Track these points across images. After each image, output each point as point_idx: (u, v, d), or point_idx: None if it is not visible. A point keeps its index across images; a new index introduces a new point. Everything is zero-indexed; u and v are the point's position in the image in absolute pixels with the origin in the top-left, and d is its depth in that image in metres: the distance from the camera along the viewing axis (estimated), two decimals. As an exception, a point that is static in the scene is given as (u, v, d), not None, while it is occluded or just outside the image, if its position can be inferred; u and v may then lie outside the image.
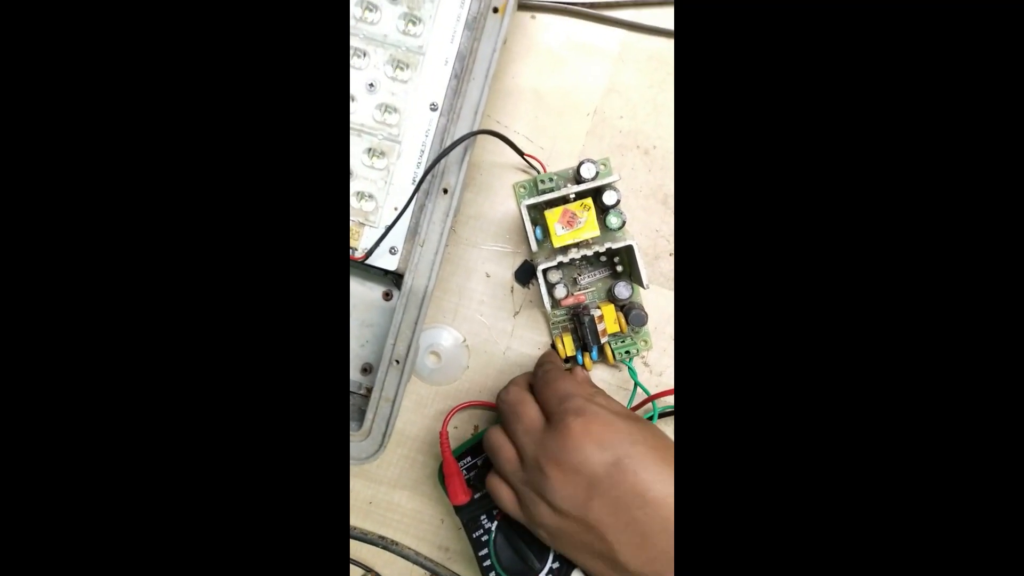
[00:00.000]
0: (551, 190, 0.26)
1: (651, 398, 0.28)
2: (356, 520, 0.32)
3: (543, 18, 0.28)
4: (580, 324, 0.26)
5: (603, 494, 0.20)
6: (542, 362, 0.26)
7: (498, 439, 0.24)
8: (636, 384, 0.28)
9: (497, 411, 0.25)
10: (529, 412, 0.23)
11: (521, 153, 0.27)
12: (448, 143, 0.25)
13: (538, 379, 0.24)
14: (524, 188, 0.28)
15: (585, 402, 0.22)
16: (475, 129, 0.24)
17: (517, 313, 0.30)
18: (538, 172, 0.27)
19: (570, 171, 0.28)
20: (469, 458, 0.29)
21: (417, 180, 0.26)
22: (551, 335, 0.29)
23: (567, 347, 0.27)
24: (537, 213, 0.26)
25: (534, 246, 0.26)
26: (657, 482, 0.20)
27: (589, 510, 0.20)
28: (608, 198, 0.25)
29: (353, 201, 0.27)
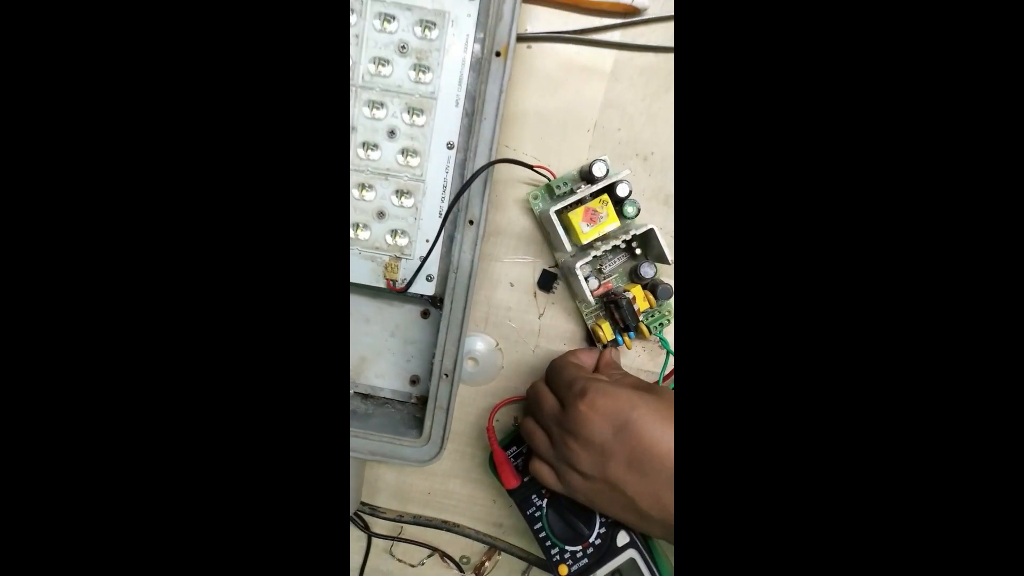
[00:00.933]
0: (567, 193, 0.29)
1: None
2: (417, 509, 0.37)
3: (539, 47, 0.30)
4: (619, 307, 0.29)
5: (615, 456, 0.24)
6: (559, 356, 0.31)
7: (529, 426, 0.29)
8: (669, 352, 0.32)
9: (526, 405, 0.30)
10: (548, 400, 0.27)
11: (531, 167, 0.29)
12: (467, 176, 0.27)
13: (551, 371, 0.29)
14: (537, 196, 0.31)
15: (587, 382, 0.26)
16: (492, 154, 0.27)
17: (542, 315, 0.34)
18: (549, 179, 0.30)
19: (574, 173, 0.30)
20: (515, 447, 0.33)
21: (443, 214, 0.29)
22: (587, 326, 0.32)
23: (606, 332, 0.30)
24: (558, 216, 0.29)
25: (568, 247, 0.29)
26: (660, 439, 0.24)
27: (608, 471, 0.25)
28: (621, 190, 0.28)
29: (388, 238, 0.30)
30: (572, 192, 0.29)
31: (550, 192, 0.30)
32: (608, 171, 0.28)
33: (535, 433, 0.28)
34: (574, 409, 0.25)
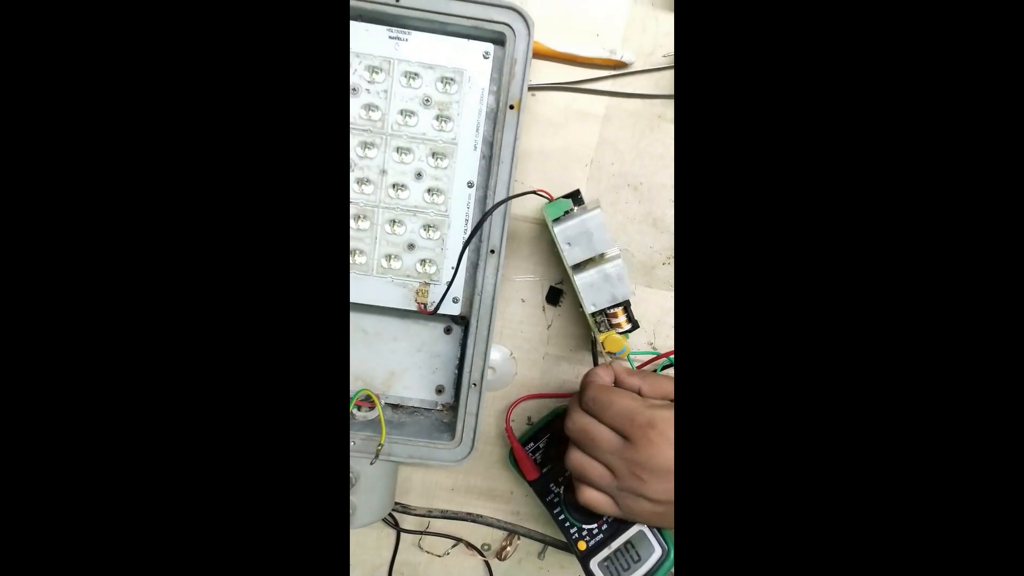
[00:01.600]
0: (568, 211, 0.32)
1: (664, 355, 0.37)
2: (442, 504, 0.41)
3: (541, 95, 0.34)
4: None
5: None
6: (586, 384, 0.30)
7: (581, 460, 0.29)
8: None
9: (570, 437, 0.29)
10: (604, 435, 0.27)
11: (534, 192, 0.32)
12: (488, 207, 0.32)
13: (595, 405, 0.28)
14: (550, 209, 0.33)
15: (649, 412, 0.27)
16: (509, 189, 0.31)
17: (550, 326, 0.38)
18: (549, 200, 0.33)
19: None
20: (531, 443, 0.37)
21: (462, 244, 0.33)
22: (594, 333, 0.36)
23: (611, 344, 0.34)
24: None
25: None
26: None
27: None
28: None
29: (418, 267, 0.33)
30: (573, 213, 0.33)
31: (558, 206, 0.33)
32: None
33: (589, 466, 0.28)
34: (646, 441, 0.26)
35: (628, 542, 0.33)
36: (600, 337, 0.33)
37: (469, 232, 0.33)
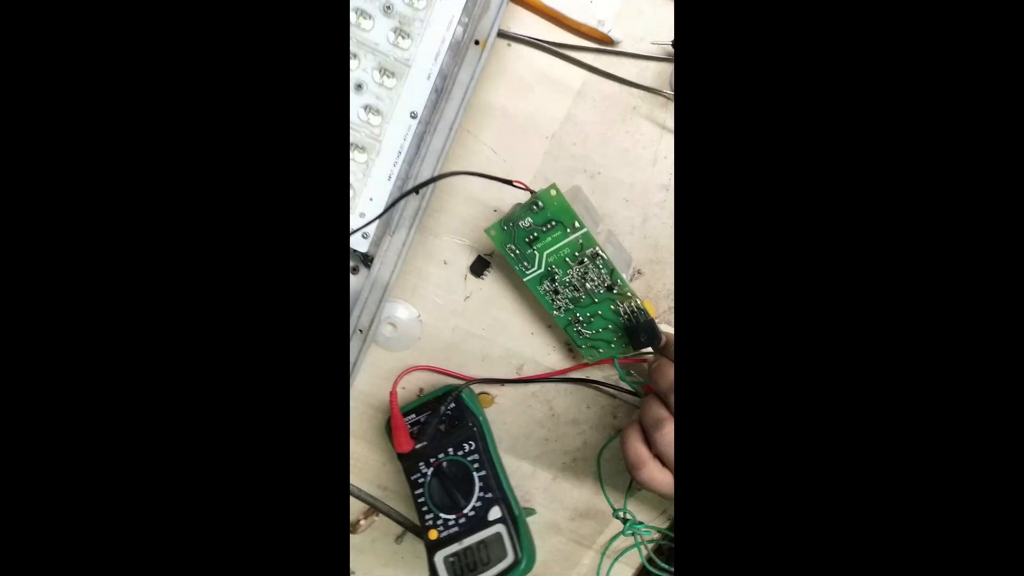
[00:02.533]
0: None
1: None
2: (306, 460, 0.37)
3: (517, 48, 0.32)
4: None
5: None
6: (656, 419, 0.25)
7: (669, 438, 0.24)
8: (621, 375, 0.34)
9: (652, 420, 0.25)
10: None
11: (509, 182, 0.28)
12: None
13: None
14: (492, 232, 0.30)
15: None
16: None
17: (468, 298, 0.35)
18: (528, 196, 0.29)
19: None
20: (414, 415, 0.34)
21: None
22: (548, 311, 0.31)
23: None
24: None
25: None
26: None
27: None
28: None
29: (333, 189, 0.30)
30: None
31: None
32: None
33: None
34: None
35: (482, 542, 0.31)
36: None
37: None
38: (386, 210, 0.29)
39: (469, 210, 0.34)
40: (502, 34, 0.31)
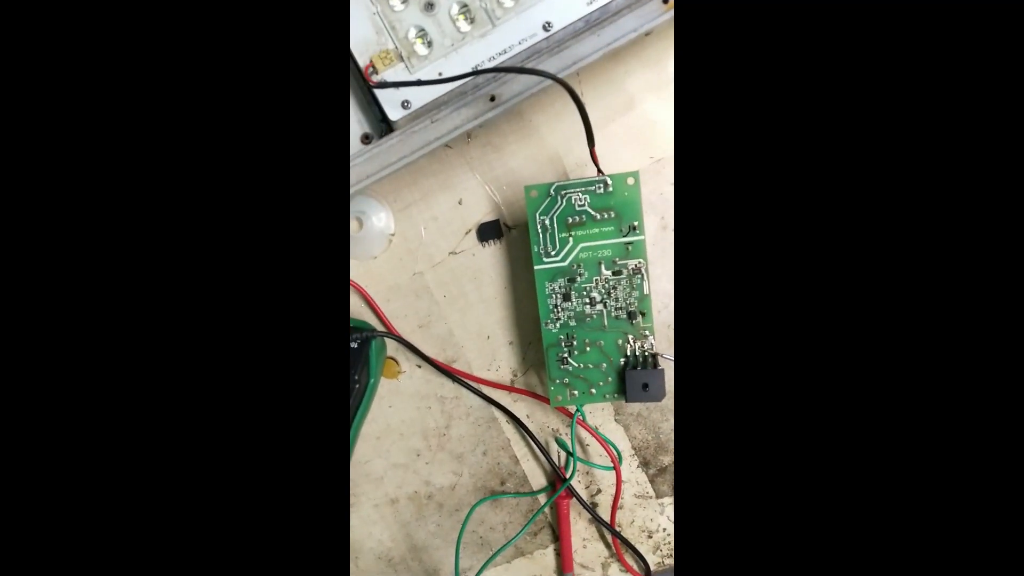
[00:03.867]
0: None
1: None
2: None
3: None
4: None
5: None
6: None
7: None
8: (570, 454, 0.27)
9: None
10: None
11: (592, 141, 0.23)
12: (533, 64, 0.23)
13: None
14: (535, 193, 0.25)
15: None
16: (563, 76, 0.22)
17: (453, 253, 0.29)
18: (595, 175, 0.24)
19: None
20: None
21: (481, 67, 0.24)
22: (542, 319, 0.27)
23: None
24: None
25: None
26: None
27: None
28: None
29: (411, 32, 0.24)
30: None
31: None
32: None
33: None
34: None
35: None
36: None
37: (497, 63, 0.24)
38: (449, 79, 0.23)
39: (525, 167, 0.28)
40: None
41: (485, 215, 0.28)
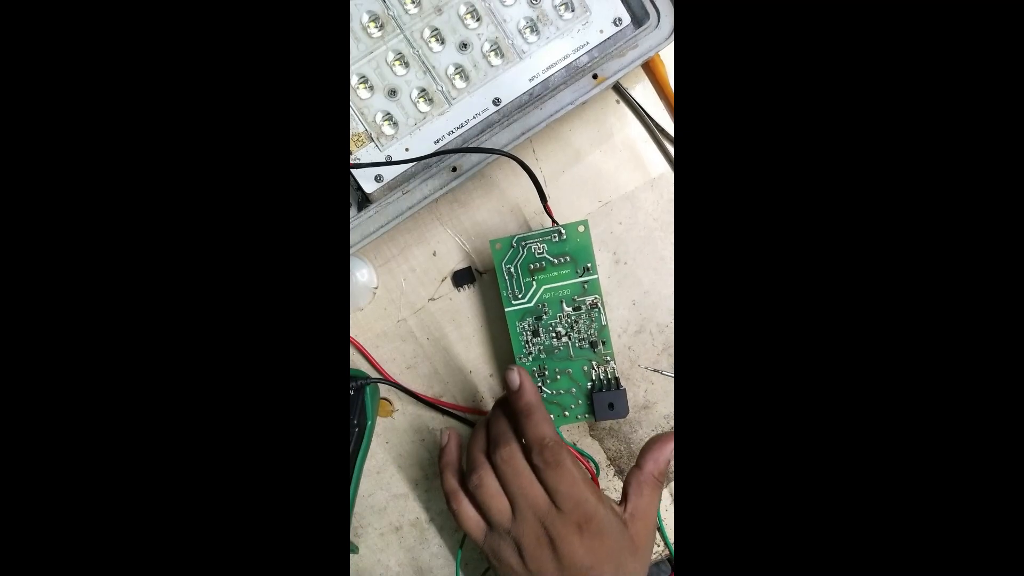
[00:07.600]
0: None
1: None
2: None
3: (623, 108, 0.31)
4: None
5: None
6: (544, 442, 0.23)
7: (492, 486, 0.24)
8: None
9: (488, 451, 0.24)
10: (538, 492, 0.23)
11: (544, 198, 0.26)
12: (486, 140, 0.26)
13: (544, 455, 0.23)
14: (500, 246, 0.28)
15: (600, 516, 0.23)
16: (511, 149, 0.26)
17: (432, 299, 0.32)
18: (549, 224, 0.28)
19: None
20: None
21: (440, 143, 0.27)
22: (516, 354, 0.29)
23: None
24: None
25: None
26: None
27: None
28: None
29: (378, 116, 0.27)
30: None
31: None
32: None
33: (496, 497, 0.23)
34: (586, 540, 0.22)
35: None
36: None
37: (456, 143, 0.27)
38: (415, 160, 0.27)
39: (490, 219, 0.31)
40: (618, 88, 0.30)
41: (458, 263, 0.32)
